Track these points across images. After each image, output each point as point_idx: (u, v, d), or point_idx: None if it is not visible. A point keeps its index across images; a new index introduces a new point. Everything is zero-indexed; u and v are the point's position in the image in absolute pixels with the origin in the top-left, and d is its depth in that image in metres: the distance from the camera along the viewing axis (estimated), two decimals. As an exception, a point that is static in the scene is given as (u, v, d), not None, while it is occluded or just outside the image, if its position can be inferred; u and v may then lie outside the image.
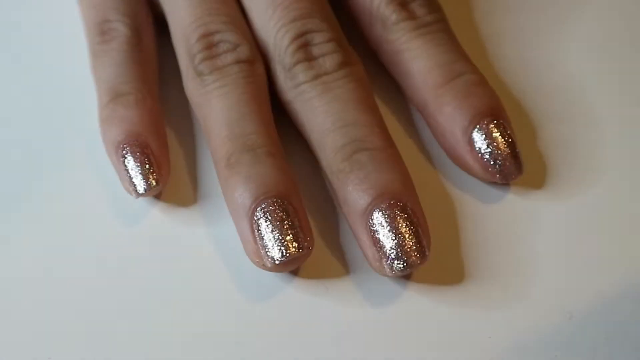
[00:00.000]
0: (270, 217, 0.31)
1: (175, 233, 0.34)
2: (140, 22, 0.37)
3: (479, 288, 0.32)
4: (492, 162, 0.33)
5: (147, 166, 0.33)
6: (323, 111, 0.33)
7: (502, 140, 0.33)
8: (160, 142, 0.34)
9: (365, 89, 0.34)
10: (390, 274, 0.31)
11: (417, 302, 0.32)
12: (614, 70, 0.38)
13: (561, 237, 0.33)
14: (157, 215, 0.34)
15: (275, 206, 0.31)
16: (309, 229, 0.32)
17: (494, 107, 0.34)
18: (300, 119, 0.34)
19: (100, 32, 0.36)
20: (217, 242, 0.33)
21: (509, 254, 0.33)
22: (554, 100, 0.37)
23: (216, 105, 0.34)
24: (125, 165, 0.33)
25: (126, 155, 0.33)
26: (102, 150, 0.35)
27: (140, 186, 0.33)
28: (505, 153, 0.33)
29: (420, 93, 0.35)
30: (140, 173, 0.33)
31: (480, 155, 0.33)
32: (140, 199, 0.34)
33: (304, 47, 0.34)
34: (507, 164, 0.33)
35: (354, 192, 0.32)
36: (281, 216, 0.31)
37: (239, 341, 0.31)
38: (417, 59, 0.35)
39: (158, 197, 0.34)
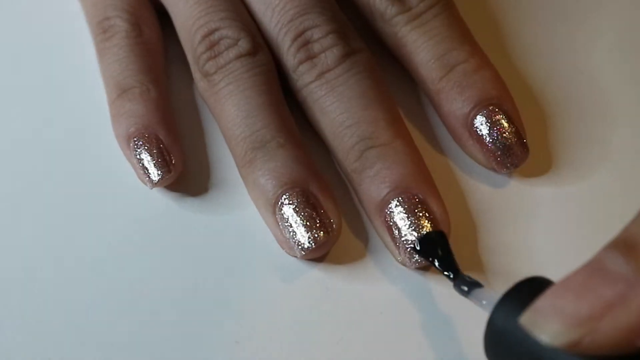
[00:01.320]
0: (293, 208, 0.32)
1: (184, 223, 0.34)
2: (139, 15, 0.37)
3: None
4: (496, 151, 0.34)
5: (159, 156, 0.34)
6: (331, 111, 0.34)
7: (505, 126, 0.34)
8: (170, 131, 0.35)
9: (370, 78, 0.35)
10: (411, 266, 0.32)
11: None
12: (624, 59, 0.38)
13: (562, 225, 0.34)
14: (171, 204, 0.34)
15: (295, 196, 0.32)
16: (334, 209, 0.33)
17: (493, 94, 0.34)
18: (313, 118, 0.35)
19: (101, 30, 0.37)
20: (230, 230, 0.34)
21: (510, 246, 0.33)
22: (562, 88, 0.37)
23: (225, 105, 0.34)
24: (138, 157, 0.34)
25: (138, 147, 0.34)
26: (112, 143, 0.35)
27: (154, 175, 0.34)
28: (508, 139, 0.34)
29: (423, 88, 0.36)
30: (152, 163, 0.34)
31: (483, 145, 0.34)
32: (154, 189, 0.34)
33: (304, 46, 0.35)
34: (512, 150, 0.34)
35: (367, 190, 0.33)
36: (302, 205, 0.32)
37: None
38: (414, 53, 0.35)
39: (171, 187, 0.35)
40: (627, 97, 0.37)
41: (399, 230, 0.32)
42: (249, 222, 0.34)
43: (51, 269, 0.33)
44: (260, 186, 0.33)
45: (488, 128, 0.34)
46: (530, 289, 0.25)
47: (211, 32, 0.35)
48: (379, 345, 0.31)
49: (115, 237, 0.34)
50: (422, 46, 0.35)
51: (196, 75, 0.36)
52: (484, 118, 0.34)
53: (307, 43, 0.35)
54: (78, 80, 0.38)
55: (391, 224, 0.32)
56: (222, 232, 0.34)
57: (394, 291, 0.32)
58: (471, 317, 0.31)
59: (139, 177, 0.34)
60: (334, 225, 0.32)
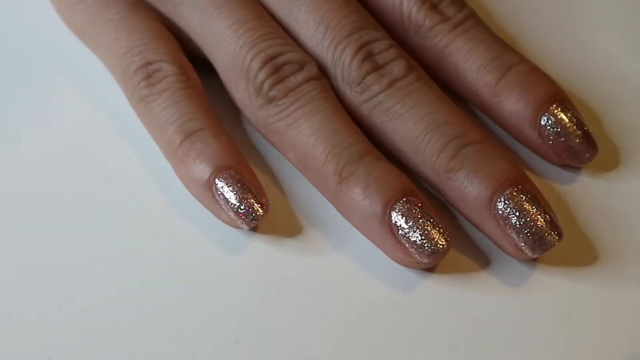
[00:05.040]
0: (409, 217, 0.31)
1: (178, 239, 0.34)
2: (182, 60, 0.35)
3: (482, 285, 0.32)
4: (566, 147, 0.34)
5: (250, 196, 0.32)
6: (410, 116, 0.33)
7: (571, 122, 0.34)
8: (251, 170, 0.33)
9: (438, 89, 0.34)
10: (531, 256, 0.32)
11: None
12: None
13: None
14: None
15: (410, 205, 0.31)
16: (444, 220, 0.32)
17: (554, 92, 0.34)
18: (383, 131, 0.34)
19: (145, 76, 0.34)
20: (230, 234, 0.33)
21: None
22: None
23: (303, 125, 0.33)
24: (226, 199, 0.32)
25: (222, 190, 0.32)
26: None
27: (249, 217, 0.32)
28: (576, 135, 0.34)
29: (476, 94, 0.35)
30: (245, 204, 0.32)
31: (552, 142, 0.34)
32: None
33: (368, 59, 0.34)
34: (582, 145, 0.34)
35: (471, 187, 0.32)
36: (418, 213, 0.31)
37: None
38: (462, 60, 0.35)
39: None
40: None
41: (512, 224, 0.31)
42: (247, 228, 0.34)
43: (51, 269, 0.33)
44: (367, 197, 0.32)
45: (559, 126, 0.34)
46: None
47: (272, 57, 0.34)
48: (379, 345, 0.31)
49: (115, 236, 0.34)
50: (470, 51, 0.35)
51: (254, 103, 0.34)
52: (552, 116, 0.34)
53: (370, 55, 0.34)
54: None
55: (503, 218, 0.31)
56: (222, 235, 0.34)
57: (394, 291, 0.32)
58: (472, 318, 0.31)
59: (224, 220, 0.33)
60: (448, 233, 0.31)
